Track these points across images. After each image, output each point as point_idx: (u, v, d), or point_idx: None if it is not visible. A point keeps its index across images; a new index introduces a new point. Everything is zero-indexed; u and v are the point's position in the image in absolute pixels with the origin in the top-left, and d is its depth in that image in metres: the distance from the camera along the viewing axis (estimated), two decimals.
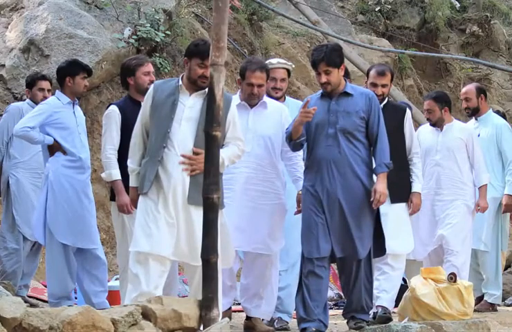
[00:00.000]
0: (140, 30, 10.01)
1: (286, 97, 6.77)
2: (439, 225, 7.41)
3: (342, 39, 10.76)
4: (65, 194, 6.64)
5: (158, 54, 10.21)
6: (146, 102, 5.33)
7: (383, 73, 6.56)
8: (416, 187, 6.61)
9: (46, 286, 7.23)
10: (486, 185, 7.56)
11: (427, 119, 7.62)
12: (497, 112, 8.95)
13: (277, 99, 6.46)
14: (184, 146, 5.11)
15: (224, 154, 5.11)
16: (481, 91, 8.25)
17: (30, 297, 7.63)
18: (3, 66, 9.52)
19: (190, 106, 5.19)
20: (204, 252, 4.47)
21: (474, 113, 8.17)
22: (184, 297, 6.90)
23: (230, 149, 5.26)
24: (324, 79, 5.77)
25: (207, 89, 4.69)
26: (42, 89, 7.57)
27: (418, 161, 6.65)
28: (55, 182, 6.63)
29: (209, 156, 4.52)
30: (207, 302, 4.39)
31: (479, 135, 7.91)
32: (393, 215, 6.42)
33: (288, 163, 6.22)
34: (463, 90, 8.49)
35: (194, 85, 5.23)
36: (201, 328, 4.37)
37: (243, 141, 5.39)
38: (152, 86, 5.41)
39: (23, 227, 7.46)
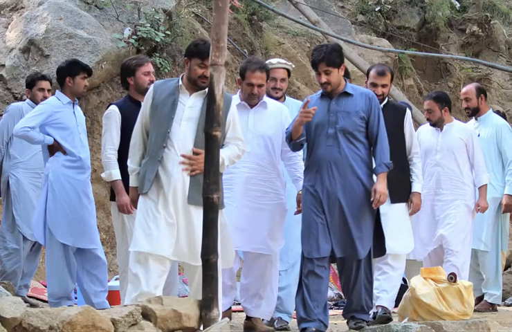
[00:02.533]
0: (140, 30, 10.01)
1: (286, 97, 6.77)
2: (439, 225, 7.40)
3: (342, 39, 10.75)
4: (65, 194, 6.64)
5: (158, 54, 10.22)
6: (146, 102, 5.32)
7: (383, 73, 6.55)
8: (416, 187, 6.61)
9: (46, 286, 7.23)
10: (486, 185, 7.56)
11: (427, 119, 7.61)
12: (497, 112, 8.94)
13: (277, 99, 6.47)
14: (184, 146, 5.11)
15: (224, 154, 5.11)
16: (481, 91, 8.24)
17: (30, 297, 7.63)
18: (3, 66, 9.52)
19: (190, 106, 5.19)
20: (204, 252, 4.47)
21: (475, 113, 8.17)
22: (184, 297, 6.90)
23: (230, 149, 5.26)
24: (324, 79, 5.77)
25: (207, 89, 4.69)
26: (42, 89, 7.57)
27: (418, 161, 6.65)
28: (55, 182, 6.63)
29: (209, 156, 4.51)
30: (207, 302, 4.39)
31: (479, 135, 7.90)
32: (393, 215, 6.42)
33: (288, 163, 6.23)
34: (463, 90, 8.46)
35: (194, 85, 5.23)
36: (201, 328, 4.37)
37: (243, 141, 5.39)
38: (152, 86, 5.40)
39: (23, 227, 7.46)
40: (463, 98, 8.27)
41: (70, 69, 6.82)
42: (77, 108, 6.93)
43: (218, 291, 4.60)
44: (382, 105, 6.28)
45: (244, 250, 6.16)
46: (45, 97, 7.35)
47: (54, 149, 6.70)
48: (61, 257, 6.64)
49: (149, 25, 10.08)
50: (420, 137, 7.39)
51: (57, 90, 6.91)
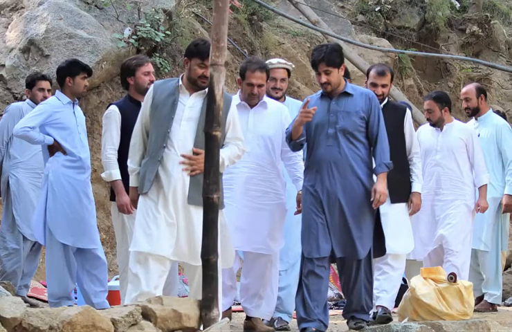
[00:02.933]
0: (140, 30, 10.01)
1: (286, 97, 6.77)
2: (439, 225, 7.39)
3: (342, 39, 10.76)
4: (65, 194, 6.64)
5: (158, 54, 10.22)
6: (146, 102, 5.32)
7: (383, 73, 6.55)
8: (416, 187, 6.60)
9: (46, 286, 7.23)
10: (486, 185, 7.55)
11: (427, 119, 7.60)
12: (497, 112, 8.93)
13: (277, 99, 6.46)
14: (184, 146, 5.11)
15: (224, 154, 5.11)
16: (481, 91, 8.22)
17: (30, 297, 7.63)
18: (3, 66, 9.52)
19: (190, 106, 5.19)
20: (204, 252, 4.46)
21: (475, 113, 8.16)
22: (184, 297, 6.90)
23: (230, 149, 5.26)
24: (324, 79, 5.76)
25: (207, 89, 4.68)
26: (42, 89, 7.57)
27: (418, 161, 6.64)
28: (55, 182, 6.63)
29: (209, 156, 4.51)
30: (207, 302, 4.39)
31: (479, 135, 7.89)
32: (393, 215, 6.42)
33: (288, 163, 6.22)
34: (463, 90, 8.44)
35: (194, 85, 5.23)
36: (201, 328, 4.37)
37: (243, 141, 5.38)
38: (152, 86, 5.40)
39: (23, 227, 7.46)
40: (463, 98, 8.24)
41: (70, 69, 6.82)
42: (77, 108, 6.93)
43: (218, 291, 4.59)
44: (382, 105, 6.27)
45: (244, 250, 6.16)
46: (45, 97, 7.35)
47: (54, 149, 6.70)
48: (61, 257, 6.64)
49: (149, 25, 10.08)
50: (420, 137, 7.38)
51: (57, 90, 6.91)
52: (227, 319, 4.53)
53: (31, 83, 7.69)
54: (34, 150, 7.35)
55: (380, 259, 6.27)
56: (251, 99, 6.12)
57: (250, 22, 12.44)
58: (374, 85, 6.49)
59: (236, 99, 5.96)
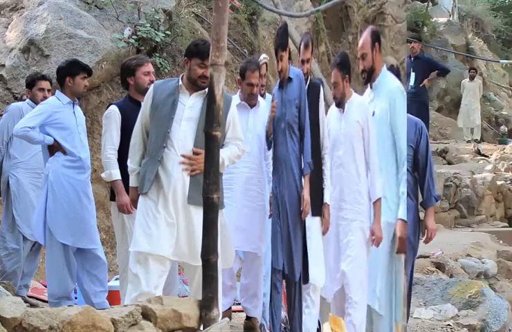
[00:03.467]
0: (140, 30, 10.02)
1: (266, 93, 6.73)
2: (341, 255, 5.36)
3: (281, 14, 9.65)
4: (65, 194, 6.64)
5: (158, 54, 10.23)
6: (146, 102, 5.33)
7: (307, 45, 5.52)
8: (327, 196, 5.34)
9: (46, 286, 7.23)
10: (380, 199, 5.23)
11: (334, 97, 5.49)
12: (391, 68, 5.77)
13: (262, 95, 6.47)
14: (184, 146, 5.11)
15: (224, 154, 5.11)
16: (375, 38, 5.53)
17: (30, 297, 7.63)
18: (3, 66, 9.52)
19: (190, 106, 5.19)
20: (204, 252, 4.46)
21: (371, 76, 5.50)
22: (184, 297, 6.90)
23: (230, 149, 5.26)
24: (279, 66, 5.40)
25: (207, 89, 4.69)
26: (42, 89, 7.57)
27: (328, 160, 5.43)
28: (55, 182, 6.63)
29: (209, 156, 4.51)
30: (207, 302, 4.39)
31: (373, 114, 5.41)
32: (314, 231, 5.36)
33: (267, 163, 6.19)
34: (360, 42, 5.62)
35: (194, 85, 5.23)
36: (201, 328, 4.37)
37: (243, 141, 5.38)
38: (152, 86, 5.41)
39: (23, 227, 7.46)
40: (360, 55, 5.59)
41: (70, 69, 6.82)
42: (77, 108, 6.93)
43: (218, 291, 4.59)
44: (307, 85, 5.44)
45: (244, 250, 6.16)
46: (45, 97, 7.35)
47: (54, 149, 6.70)
48: (61, 257, 6.64)
49: (149, 25, 10.09)
50: (329, 125, 5.53)
51: (57, 90, 6.91)
52: (227, 319, 4.53)
53: (31, 83, 7.69)
54: (34, 150, 7.35)
55: (305, 287, 5.34)
56: (251, 99, 6.13)
57: (250, 22, 12.45)
58: (303, 62, 5.43)
59: (236, 99, 5.96)
